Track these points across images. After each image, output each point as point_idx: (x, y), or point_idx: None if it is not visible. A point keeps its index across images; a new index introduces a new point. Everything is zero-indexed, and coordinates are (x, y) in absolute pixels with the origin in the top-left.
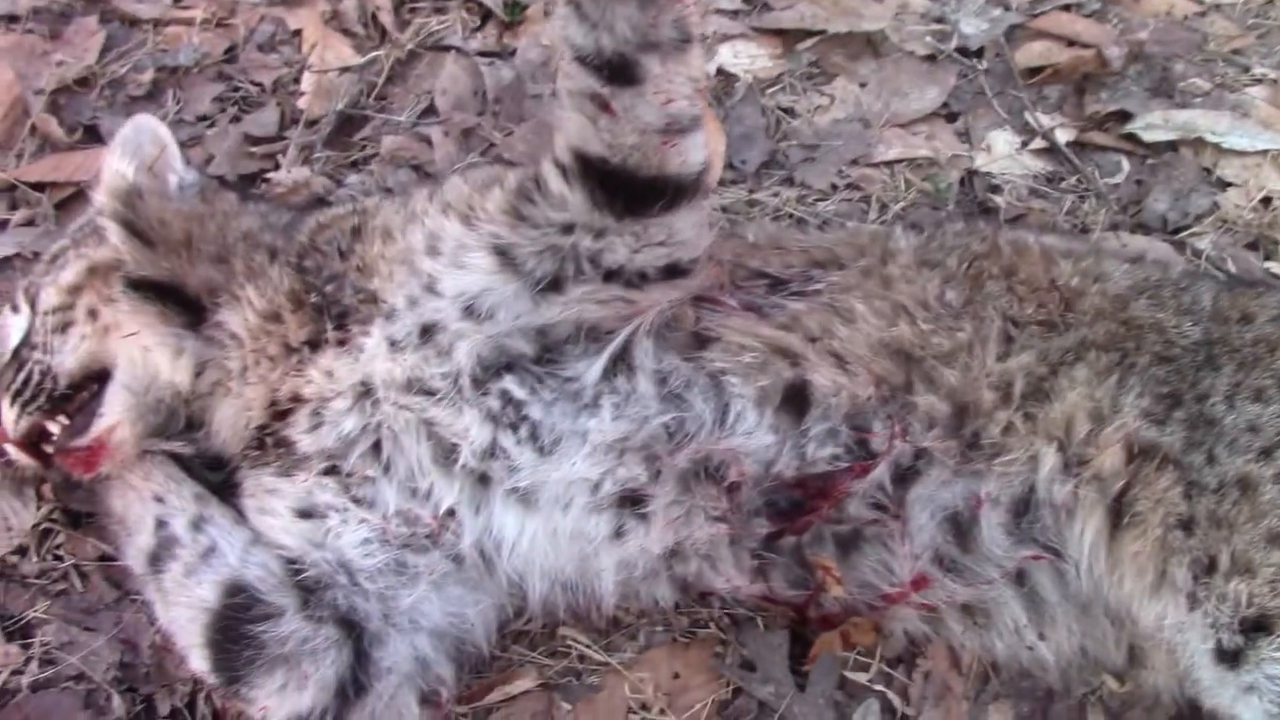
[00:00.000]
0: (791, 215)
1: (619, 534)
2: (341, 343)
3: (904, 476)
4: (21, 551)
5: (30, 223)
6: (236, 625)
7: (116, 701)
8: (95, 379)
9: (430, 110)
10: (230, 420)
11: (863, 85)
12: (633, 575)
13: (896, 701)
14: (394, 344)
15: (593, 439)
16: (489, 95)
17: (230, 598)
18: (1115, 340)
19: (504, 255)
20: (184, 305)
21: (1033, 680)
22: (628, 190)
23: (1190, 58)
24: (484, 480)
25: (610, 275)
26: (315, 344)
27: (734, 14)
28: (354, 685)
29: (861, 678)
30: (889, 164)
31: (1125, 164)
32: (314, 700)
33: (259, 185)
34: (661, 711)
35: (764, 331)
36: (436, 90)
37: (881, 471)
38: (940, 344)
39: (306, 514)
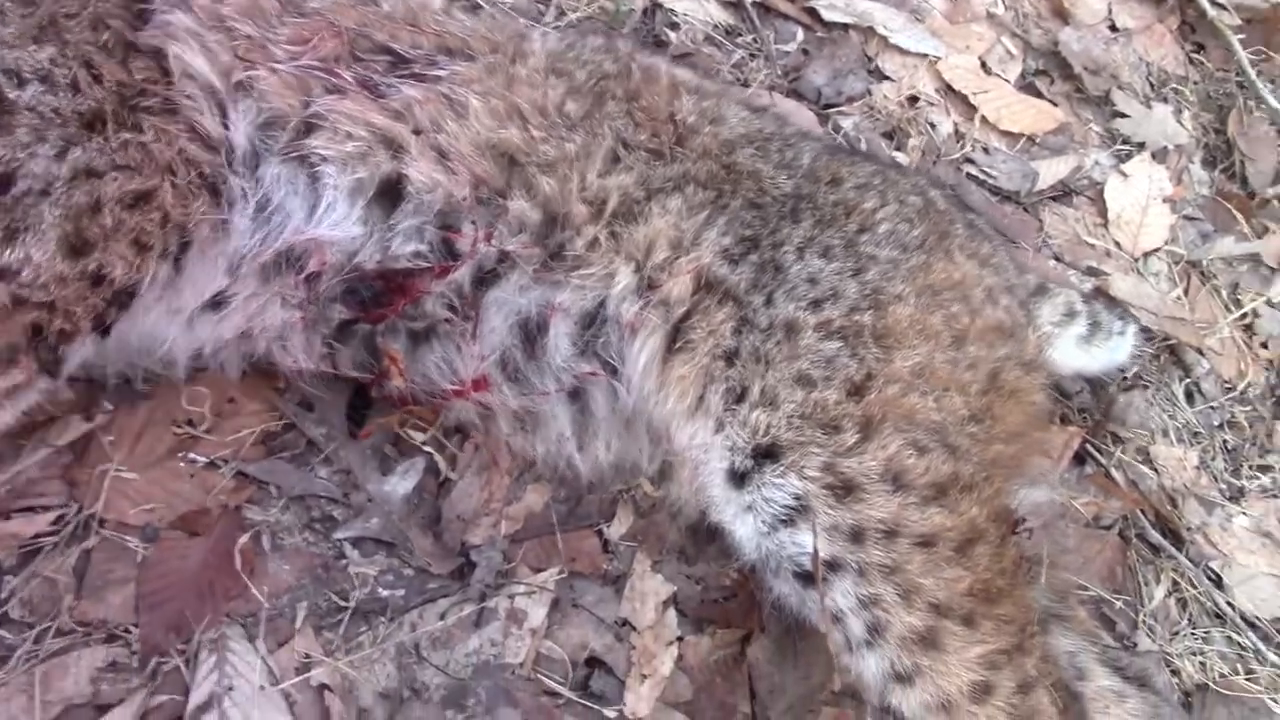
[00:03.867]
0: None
1: (190, 324)
2: None
3: (483, 279)
4: None
5: None
6: None
7: None
8: None
9: None
10: None
11: None
12: (202, 353)
13: (443, 465)
14: None
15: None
16: None
17: None
18: (714, 180)
19: None
20: None
21: (574, 471)
22: None
23: None
24: None
25: None
26: None
27: None
28: None
29: (416, 438)
30: None
31: (799, 34)
32: None
33: None
34: (207, 431)
35: (374, 119)
36: None
37: (463, 273)
38: (546, 153)
39: None
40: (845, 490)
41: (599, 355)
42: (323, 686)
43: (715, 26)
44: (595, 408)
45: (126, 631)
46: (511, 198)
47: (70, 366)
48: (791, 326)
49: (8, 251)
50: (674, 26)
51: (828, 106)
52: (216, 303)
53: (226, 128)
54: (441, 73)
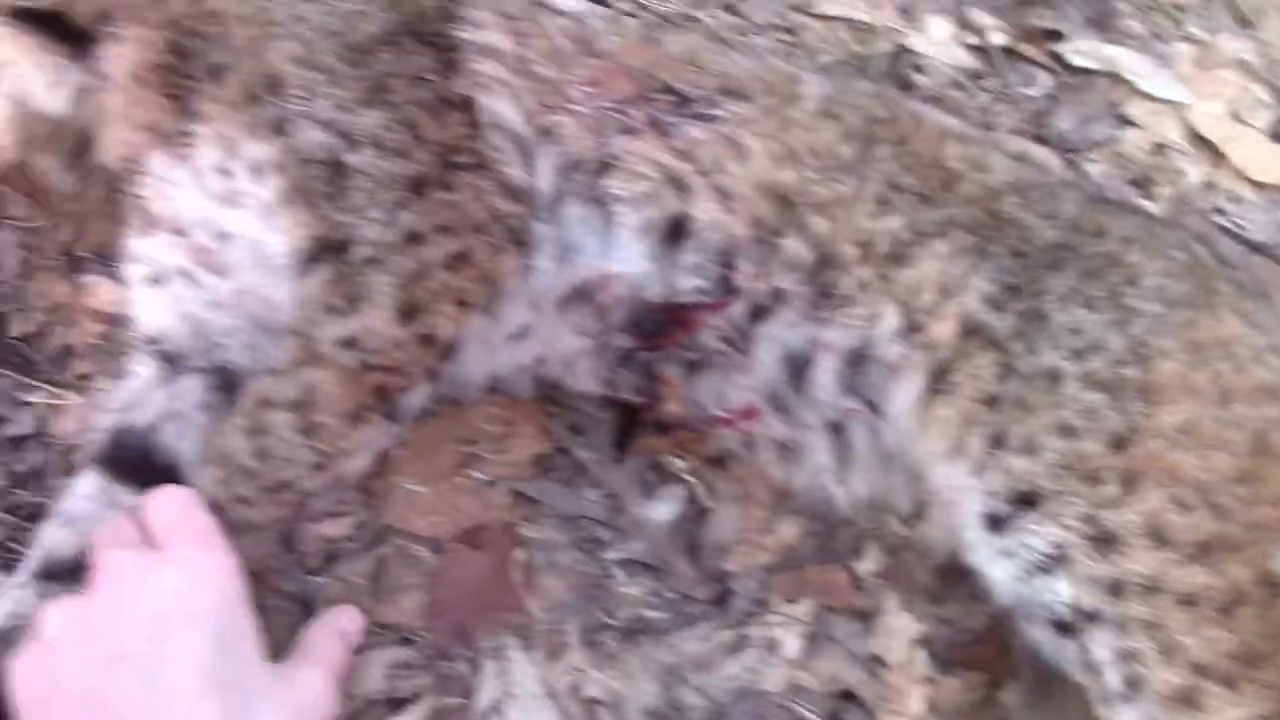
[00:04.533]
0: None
1: (492, 353)
2: (178, 155)
3: (757, 314)
4: None
5: None
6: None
7: None
8: None
9: None
10: (109, 148)
11: None
12: (496, 376)
13: (702, 493)
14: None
15: None
16: None
17: None
18: (979, 226)
19: (304, 269)
20: (67, 32)
21: (829, 505)
22: None
23: (1135, 1)
24: None
25: None
26: (167, 134)
27: None
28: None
29: (678, 465)
30: (828, 18)
31: (1044, 79)
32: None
33: None
34: (489, 450)
35: (663, 159)
36: None
37: (739, 308)
38: (819, 194)
39: (160, 279)
40: (1105, 542)
41: (862, 392)
42: (594, 700)
43: (960, 70)
44: (855, 443)
45: (417, 635)
46: (786, 237)
47: (410, 411)
48: (1054, 375)
49: (352, 320)
50: (919, 70)
51: (1072, 152)
52: (517, 334)
53: (531, 175)
54: (722, 113)
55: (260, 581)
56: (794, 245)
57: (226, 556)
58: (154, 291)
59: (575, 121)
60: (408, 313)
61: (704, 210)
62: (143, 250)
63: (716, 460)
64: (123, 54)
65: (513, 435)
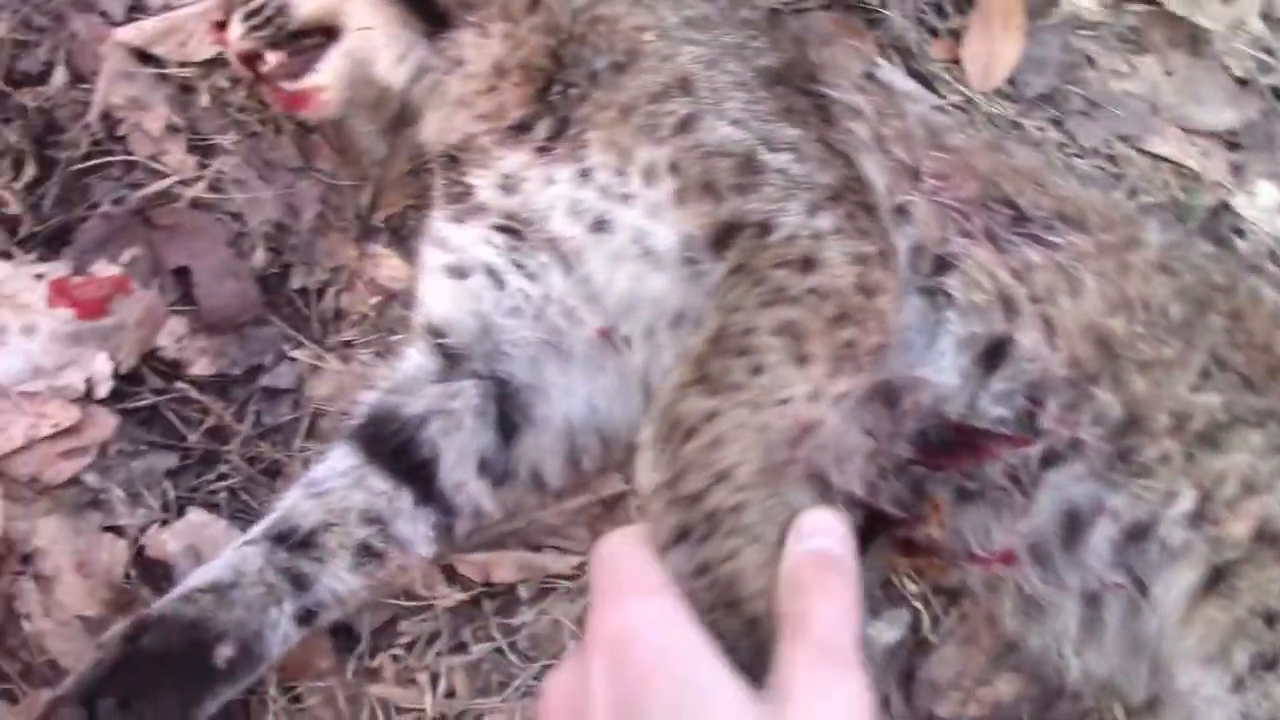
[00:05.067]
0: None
1: None
2: (542, 152)
3: (1049, 459)
4: (234, 81)
5: None
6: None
7: (259, 254)
8: (325, 32)
9: None
10: (434, 129)
11: (1168, 74)
12: None
13: (926, 624)
14: (574, 208)
15: None
16: None
17: None
18: None
19: (688, 255)
20: (429, 12)
21: (1058, 673)
22: None
23: None
24: (661, 348)
25: None
26: (524, 130)
27: None
28: (508, 424)
29: (909, 588)
30: (1156, 158)
31: None
32: (476, 435)
33: None
34: None
35: (1000, 274)
36: None
37: (1036, 449)
38: (1143, 351)
39: (462, 272)
40: None
41: (1133, 568)
42: None
43: None
44: (1108, 618)
45: None
46: (1101, 387)
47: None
48: None
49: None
50: (1239, 233)
51: None
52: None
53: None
54: (1059, 240)
55: None
56: (1107, 398)
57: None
58: (452, 282)
59: (926, 207)
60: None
61: (1028, 338)
62: (454, 237)
63: (950, 593)
64: (486, 46)
65: None
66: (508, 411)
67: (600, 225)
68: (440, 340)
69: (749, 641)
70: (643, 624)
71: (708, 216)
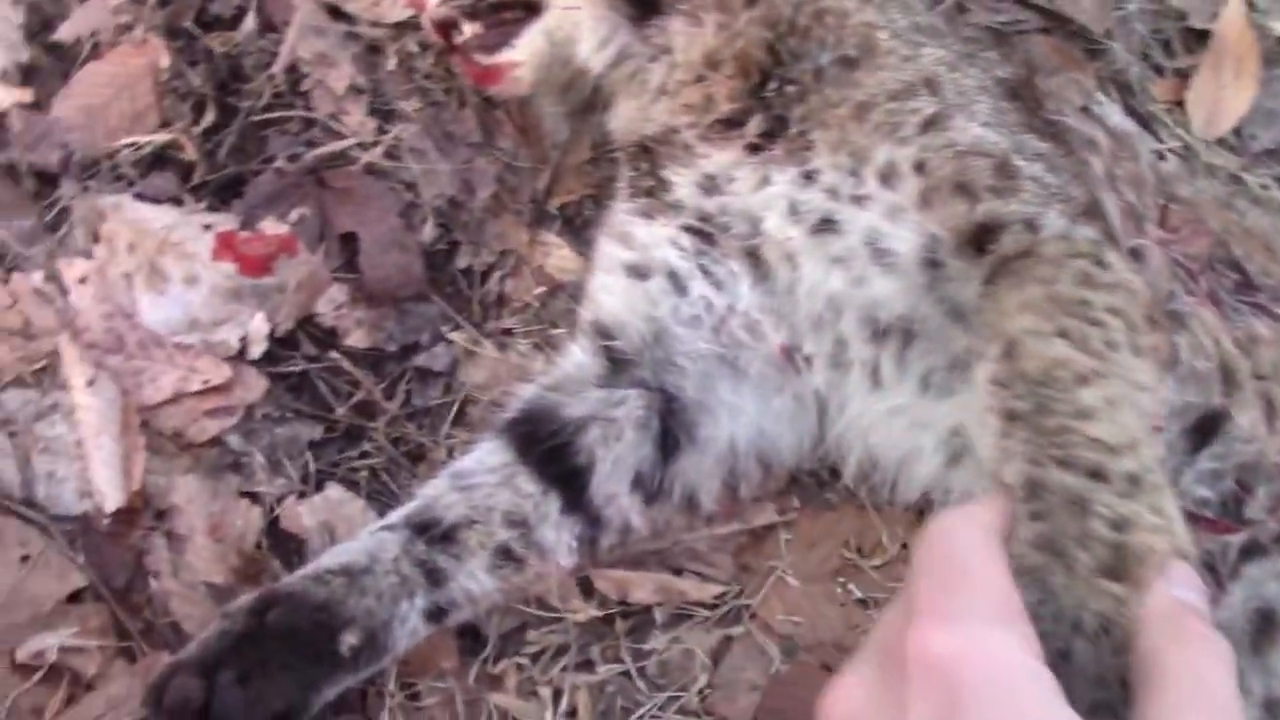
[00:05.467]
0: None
1: (951, 463)
2: (754, 150)
3: (1250, 550)
4: (423, 47)
5: None
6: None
7: (428, 228)
8: (526, 7)
9: None
10: (628, 118)
11: None
12: (941, 496)
13: None
14: (793, 210)
15: None
16: None
17: None
18: None
19: (931, 262)
20: None
21: None
22: None
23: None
24: (850, 364)
25: None
26: (733, 126)
27: None
28: (669, 441)
29: None
30: None
31: None
32: (635, 448)
33: None
34: (874, 565)
35: (1224, 343)
36: None
37: (1238, 537)
38: None
39: (642, 273)
40: None
41: None
42: None
43: None
44: None
45: None
46: None
47: None
48: None
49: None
50: None
51: None
52: None
53: None
54: None
55: None
56: None
57: None
58: (629, 281)
59: (1159, 255)
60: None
61: (1246, 416)
62: (639, 234)
63: None
64: (697, 36)
65: (903, 561)
66: (671, 427)
67: (825, 226)
68: (608, 342)
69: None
70: (985, 662)
71: (961, 218)
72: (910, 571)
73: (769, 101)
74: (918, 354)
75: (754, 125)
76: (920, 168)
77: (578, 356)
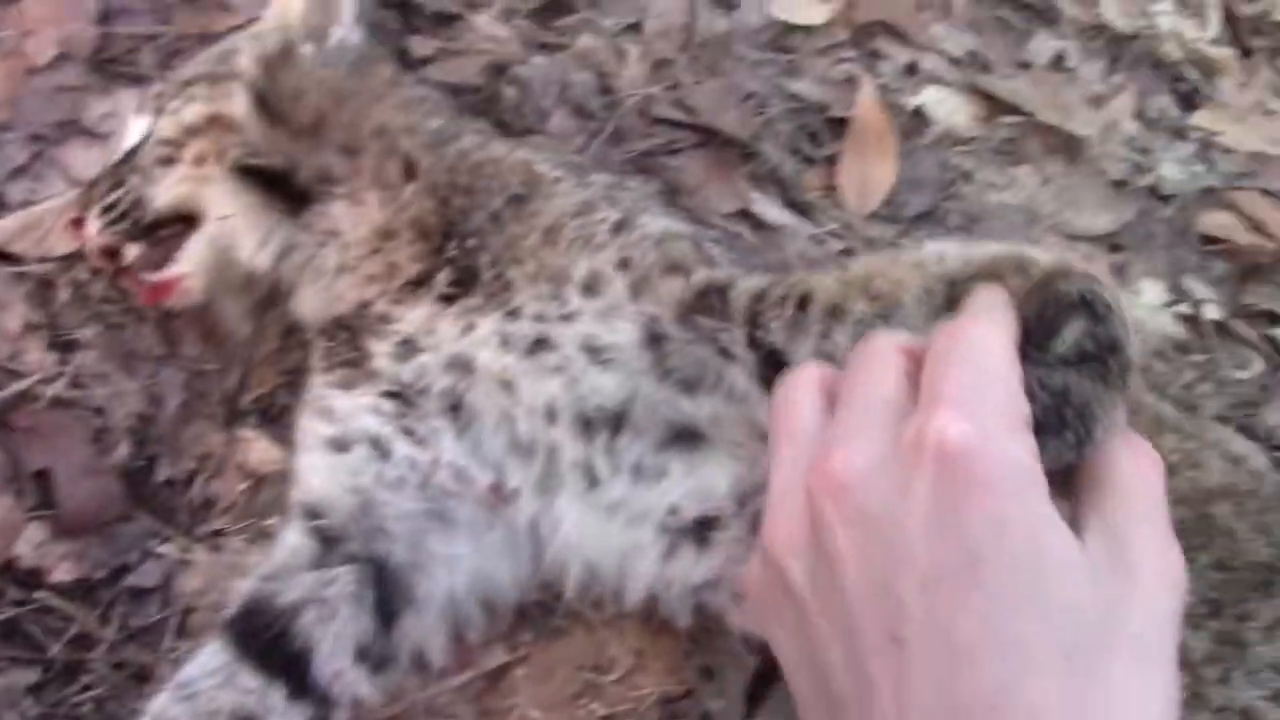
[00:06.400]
0: None
1: (669, 555)
2: (449, 301)
3: None
4: (94, 273)
5: None
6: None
7: (123, 448)
8: (184, 220)
9: (635, 28)
10: (314, 302)
11: (1045, 182)
12: (664, 592)
13: None
14: (505, 342)
15: (701, 475)
16: (695, 37)
17: None
18: (1185, 530)
19: (654, 339)
20: (290, 194)
21: None
22: None
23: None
24: (560, 480)
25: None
26: (422, 284)
27: (955, 61)
28: (387, 609)
29: None
30: None
31: (1257, 363)
32: (352, 622)
33: (454, 26)
34: (614, 681)
35: None
36: (650, 12)
37: None
38: None
39: (343, 445)
40: None
41: None
42: None
43: (1168, 339)
44: None
45: None
46: None
47: None
48: (1249, 716)
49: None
50: None
51: (1278, 448)
52: (700, 534)
53: None
54: None
55: None
56: None
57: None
58: (332, 456)
59: None
60: None
61: None
62: (340, 406)
63: None
64: (363, 214)
65: (641, 669)
66: (387, 594)
67: (539, 346)
68: (317, 522)
69: None
70: (997, 460)
71: (680, 291)
72: (931, 361)
73: (453, 258)
74: (628, 440)
75: (442, 279)
76: (624, 264)
77: (291, 541)
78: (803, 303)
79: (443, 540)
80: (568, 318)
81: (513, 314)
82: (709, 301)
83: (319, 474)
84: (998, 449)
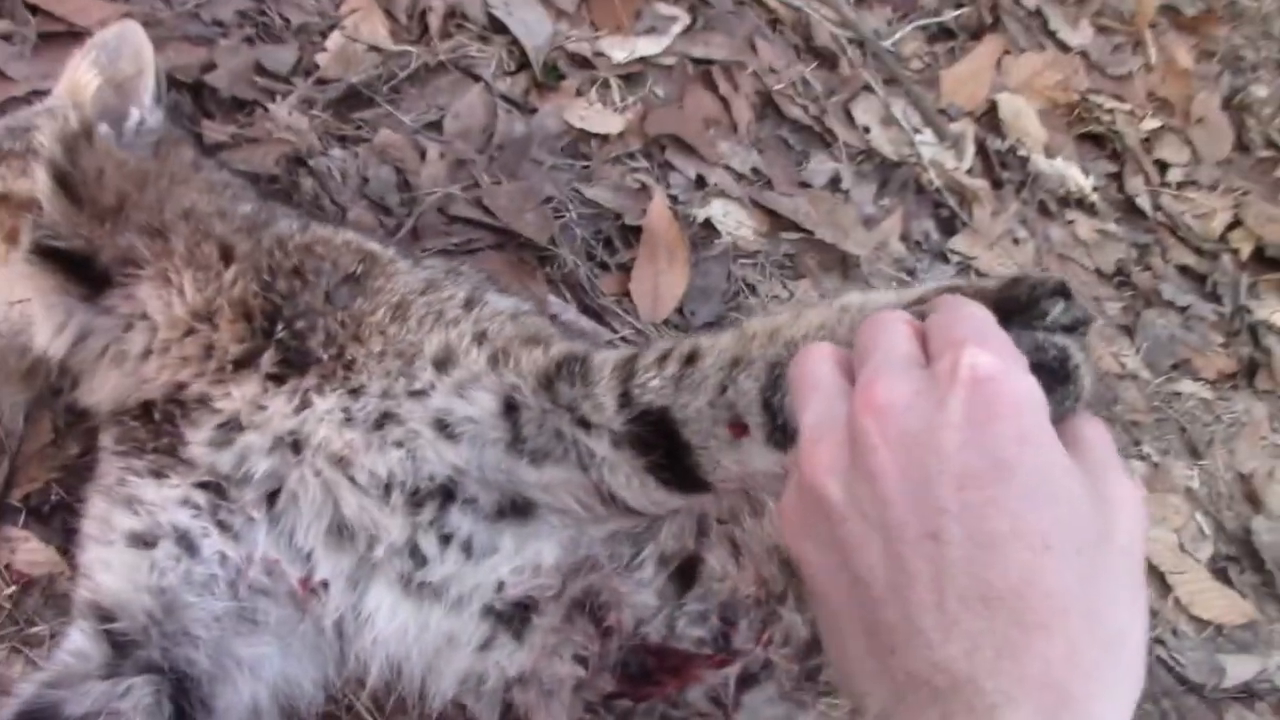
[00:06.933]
0: None
1: (487, 645)
2: (278, 380)
3: (745, 680)
4: None
5: (7, 37)
6: None
7: None
8: None
9: (436, 126)
10: (113, 388)
11: (822, 295)
12: (476, 687)
13: None
14: (347, 419)
15: (529, 550)
16: (495, 139)
17: None
18: None
19: (511, 409)
20: (89, 277)
21: None
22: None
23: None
24: (375, 569)
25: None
26: (247, 364)
27: (740, 177)
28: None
29: None
30: None
31: None
32: None
33: (251, 113)
34: None
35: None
36: (450, 111)
37: (734, 669)
38: None
39: (147, 540)
40: None
41: None
42: None
43: None
44: None
45: None
46: (786, 607)
47: None
48: None
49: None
50: None
51: None
52: (521, 619)
53: None
54: None
55: None
56: (793, 618)
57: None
58: (132, 553)
59: None
60: None
61: (716, 558)
62: (149, 496)
63: None
64: (174, 295)
65: None
66: (185, 708)
67: (385, 419)
68: (109, 625)
69: None
70: (1020, 391)
71: (540, 360)
72: (938, 321)
73: (281, 339)
74: (459, 515)
75: (268, 359)
76: (481, 337)
77: (77, 643)
78: (690, 359)
79: (249, 644)
80: (417, 394)
81: (355, 392)
82: (570, 370)
83: (113, 571)
84: (1019, 378)
